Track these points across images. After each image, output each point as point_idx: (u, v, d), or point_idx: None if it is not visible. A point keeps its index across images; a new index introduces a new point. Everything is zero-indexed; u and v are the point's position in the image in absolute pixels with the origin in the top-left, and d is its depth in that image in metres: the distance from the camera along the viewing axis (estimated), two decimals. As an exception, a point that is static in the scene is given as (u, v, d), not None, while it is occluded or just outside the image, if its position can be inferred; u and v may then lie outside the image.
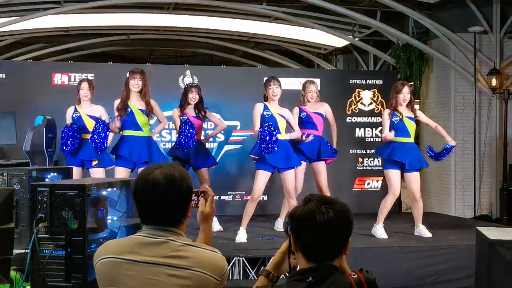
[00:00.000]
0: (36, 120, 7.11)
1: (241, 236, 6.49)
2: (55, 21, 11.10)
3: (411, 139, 6.73)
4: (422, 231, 6.79)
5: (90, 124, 6.67)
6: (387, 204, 6.71)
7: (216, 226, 6.90)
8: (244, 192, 8.99)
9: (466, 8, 9.49)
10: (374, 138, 9.67)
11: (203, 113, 7.03)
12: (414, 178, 6.69)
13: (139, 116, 6.51)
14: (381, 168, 7.15)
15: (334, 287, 1.99)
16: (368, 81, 9.91)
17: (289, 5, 10.54)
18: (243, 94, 8.67)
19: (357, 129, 9.76)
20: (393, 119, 6.67)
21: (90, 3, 9.74)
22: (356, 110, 9.76)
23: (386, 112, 6.77)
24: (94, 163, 6.61)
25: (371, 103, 9.83)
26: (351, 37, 11.22)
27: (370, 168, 9.69)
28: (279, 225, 7.16)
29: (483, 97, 9.72)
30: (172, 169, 2.21)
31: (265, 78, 6.82)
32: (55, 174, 4.81)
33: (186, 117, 6.97)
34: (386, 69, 11.75)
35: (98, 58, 13.44)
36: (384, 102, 9.42)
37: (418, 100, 10.61)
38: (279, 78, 6.67)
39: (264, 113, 6.51)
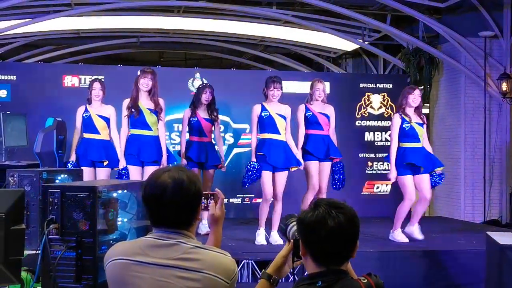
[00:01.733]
0: (46, 122, 7.14)
1: (261, 238, 6.52)
2: (65, 23, 11.16)
3: (421, 144, 6.70)
4: (416, 231, 6.75)
5: (99, 124, 6.71)
6: (403, 209, 6.66)
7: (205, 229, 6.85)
8: (253, 195, 9.00)
9: (477, 13, 9.45)
10: (384, 142, 9.64)
11: (215, 114, 7.04)
12: (426, 178, 6.63)
13: (148, 115, 6.53)
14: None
15: (344, 291, 2.00)
16: (377, 85, 9.90)
17: (299, 8, 10.53)
18: (252, 97, 8.62)
19: (367, 133, 9.76)
20: (403, 125, 6.64)
21: (100, 6, 9.78)
22: (366, 114, 9.75)
23: (396, 120, 6.69)
24: (105, 163, 6.65)
25: (380, 107, 9.82)
26: (361, 41, 11.19)
27: (379, 172, 9.66)
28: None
29: (493, 101, 9.67)
30: (180, 172, 2.21)
31: (268, 76, 6.76)
32: (65, 175, 4.85)
33: (196, 118, 6.98)
34: (396, 73, 11.71)
35: (108, 60, 13.47)
36: (393, 106, 9.38)
37: (428, 105, 10.57)
38: (281, 80, 6.61)
39: (262, 114, 6.50)
